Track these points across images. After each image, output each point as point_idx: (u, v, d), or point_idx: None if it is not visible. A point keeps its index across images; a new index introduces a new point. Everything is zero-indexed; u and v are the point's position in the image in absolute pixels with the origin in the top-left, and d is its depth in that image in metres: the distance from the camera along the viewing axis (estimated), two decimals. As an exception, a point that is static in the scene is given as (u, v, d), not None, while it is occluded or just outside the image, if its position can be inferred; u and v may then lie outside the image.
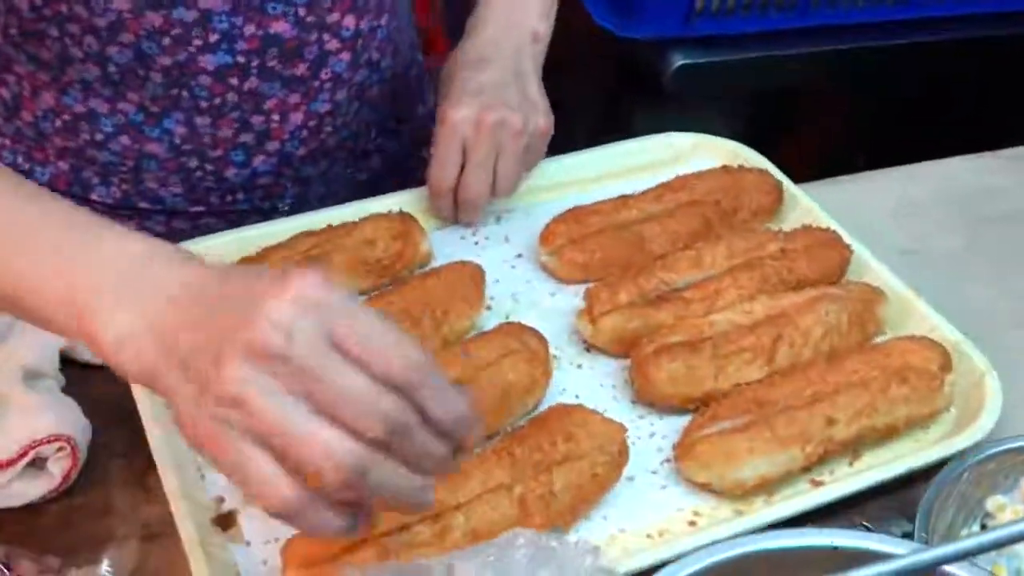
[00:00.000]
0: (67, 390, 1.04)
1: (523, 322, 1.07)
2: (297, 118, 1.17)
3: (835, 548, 0.79)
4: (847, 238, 1.18)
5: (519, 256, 1.20)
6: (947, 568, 0.77)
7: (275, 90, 1.14)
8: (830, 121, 2.25)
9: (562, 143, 1.30)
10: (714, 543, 0.79)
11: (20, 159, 1.17)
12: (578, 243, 1.16)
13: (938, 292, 1.17)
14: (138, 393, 1.00)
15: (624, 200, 1.20)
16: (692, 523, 0.96)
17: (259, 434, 0.67)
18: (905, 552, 0.77)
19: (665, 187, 1.22)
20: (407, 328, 1.04)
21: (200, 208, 1.20)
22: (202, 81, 1.11)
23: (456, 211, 1.21)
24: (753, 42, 1.85)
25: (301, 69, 1.14)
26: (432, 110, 1.41)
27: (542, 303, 1.15)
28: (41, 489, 0.96)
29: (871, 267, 1.16)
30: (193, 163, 1.16)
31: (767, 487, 0.97)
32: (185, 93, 1.11)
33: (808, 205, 1.23)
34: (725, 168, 1.25)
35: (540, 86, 1.23)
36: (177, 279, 0.73)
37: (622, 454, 0.96)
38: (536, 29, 1.23)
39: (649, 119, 2.11)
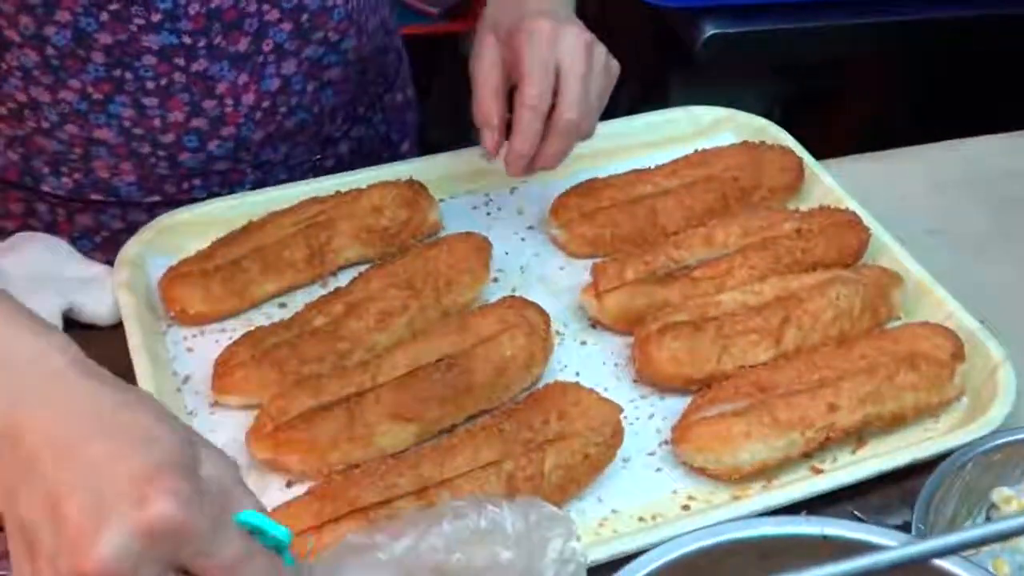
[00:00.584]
0: (67, 352, 1.03)
1: (529, 296, 1.06)
2: (249, 99, 1.13)
3: (825, 537, 0.77)
4: (868, 219, 1.15)
5: (530, 228, 1.18)
6: (941, 563, 0.75)
7: (224, 71, 1.10)
8: (867, 95, 2.21)
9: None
10: (698, 529, 0.77)
11: None
12: (589, 217, 1.14)
13: (960, 274, 1.14)
14: (137, 358, 1.00)
15: (638, 174, 1.18)
16: (686, 507, 0.94)
17: None
18: (895, 543, 0.75)
19: (682, 162, 1.19)
20: (407, 299, 1.03)
21: (156, 198, 1.17)
22: (147, 61, 1.08)
23: (513, 144, 1.06)
24: (787, 13, 1.80)
25: (244, 44, 1.10)
26: (411, 99, 1.38)
27: (550, 277, 1.13)
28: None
29: (890, 249, 1.13)
30: (145, 148, 1.13)
31: (766, 472, 0.95)
32: (129, 75, 1.08)
33: (829, 185, 1.20)
34: (745, 144, 1.22)
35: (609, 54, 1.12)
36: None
37: (616, 436, 0.94)
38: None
39: (684, 90, 2.07)
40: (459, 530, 0.81)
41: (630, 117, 1.30)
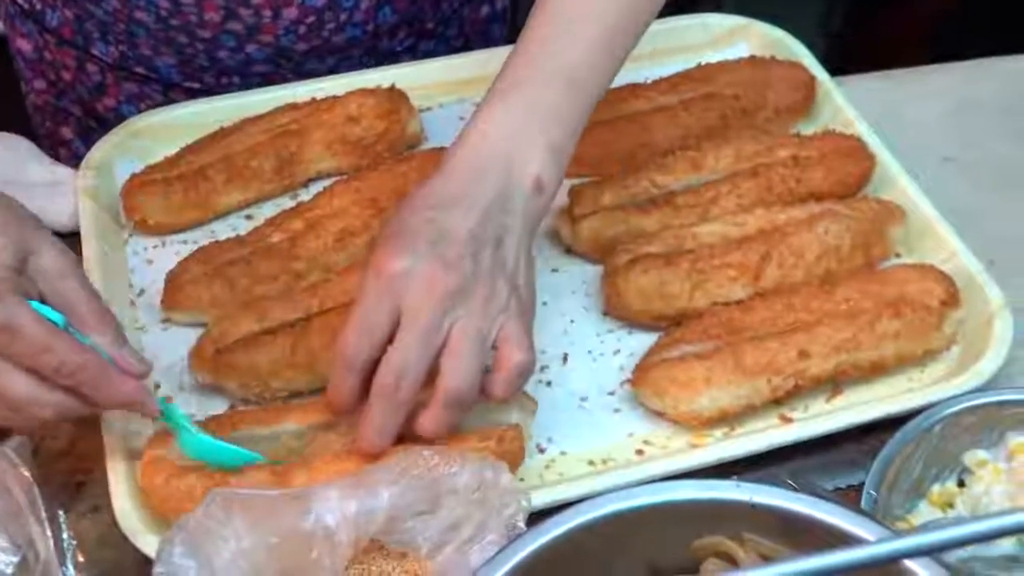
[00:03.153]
0: (25, 258, 1.01)
1: None
2: (291, 13, 1.08)
3: (753, 505, 0.72)
4: (876, 146, 1.07)
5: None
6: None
7: None
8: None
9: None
10: (617, 489, 0.73)
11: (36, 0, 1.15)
12: (576, 134, 1.08)
13: (975, 209, 1.07)
14: (88, 267, 0.97)
15: (633, 89, 1.11)
16: (640, 452, 0.89)
17: None
18: (824, 516, 0.71)
19: (682, 76, 1.12)
20: (369, 218, 0.99)
21: (196, 85, 1.14)
22: None
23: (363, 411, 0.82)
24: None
25: None
26: (499, 11, 1.28)
27: (530, 197, 1.07)
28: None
29: (896, 180, 1.05)
30: (183, 39, 1.10)
31: (729, 420, 0.90)
32: None
33: (840, 105, 1.11)
34: (753, 59, 1.14)
35: (530, 264, 0.86)
36: None
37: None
38: (536, 175, 0.85)
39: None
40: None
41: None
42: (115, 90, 1.17)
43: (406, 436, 0.82)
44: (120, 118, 1.14)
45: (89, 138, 1.15)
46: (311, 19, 1.09)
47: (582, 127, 0.89)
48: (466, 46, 1.25)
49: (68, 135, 1.23)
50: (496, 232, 0.83)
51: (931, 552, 0.61)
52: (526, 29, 0.91)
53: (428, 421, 0.81)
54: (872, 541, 0.61)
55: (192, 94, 1.15)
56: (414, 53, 1.20)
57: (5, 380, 0.76)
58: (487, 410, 0.85)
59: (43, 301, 0.78)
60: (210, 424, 0.85)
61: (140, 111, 1.15)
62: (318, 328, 0.90)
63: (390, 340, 0.80)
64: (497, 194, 0.84)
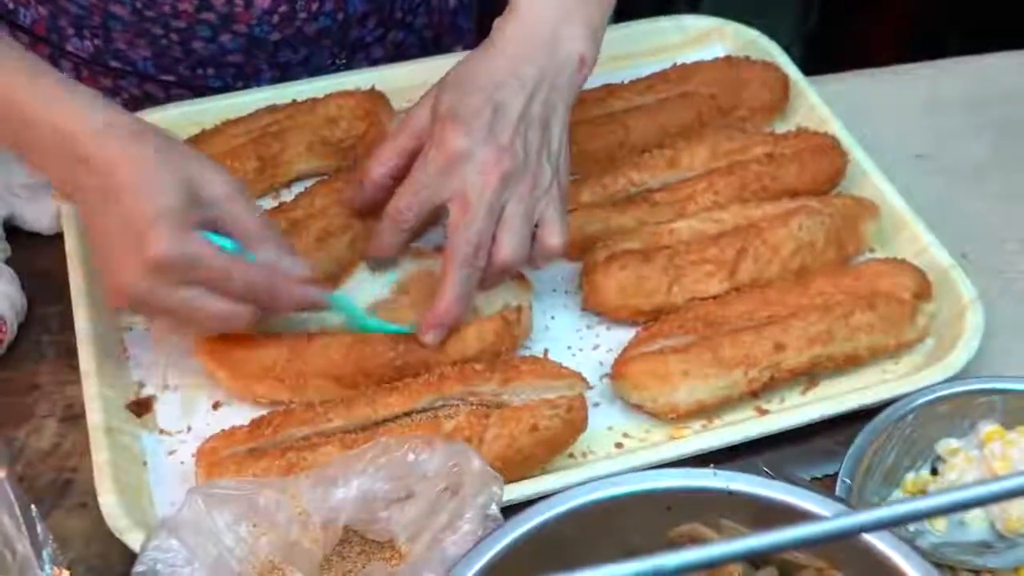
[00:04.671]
0: (8, 261, 1.02)
1: None
2: (263, 2, 1.09)
3: (730, 493, 0.74)
4: (850, 143, 1.08)
5: (494, 143, 1.13)
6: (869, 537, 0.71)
7: None
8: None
9: (629, 8, 1.15)
10: (596, 479, 0.74)
11: None
12: (553, 134, 1.09)
13: (948, 204, 1.09)
14: (72, 267, 0.98)
15: (610, 89, 1.12)
16: (619, 445, 0.91)
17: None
18: (799, 502, 0.72)
19: (659, 76, 1.14)
20: (349, 217, 1.00)
21: (171, 78, 1.16)
22: None
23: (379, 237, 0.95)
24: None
25: None
26: (466, 2, 1.30)
27: (509, 196, 1.08)
28: (-35, 362, 0.95)
29: (869, 177, 1.07)
30: (158, 30, 1.11)
31: (706, 412, 0.92)
32: None
33: (814, 104, 1.13)
34: (728, 59, 1.16)
35: (567, 144, 0.95)
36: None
37: (575, 411, 0.87)
38: (582, 52, 0.95)
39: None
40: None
41: (614, 25, 1.23)
42: (90, 85, 1.15)
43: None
44: None
45: None
46: (283, 8, 1.11)
47: (612, 10, 0.98)
48: (436, 37, 1.27)
49: None
50: (544, 112, 0.92)
51: (889, 526, 0.62)
52: None
53: (480, 284, 0.91)
54: (832, 515, 0.62)
55: (167, 87, 1.16)
56: (383, 43, 1.21)
57: (200, 303, 0.86)
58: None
59: (215, 227, 0.87)
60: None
61: None
62: (317, 351, 0.91)
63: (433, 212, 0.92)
64: (544, 71, 0.92)
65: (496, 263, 0.90)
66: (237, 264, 0.87)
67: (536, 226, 0.92)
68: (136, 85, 1.17)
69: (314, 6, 1.12)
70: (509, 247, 0.90)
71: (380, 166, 0.95)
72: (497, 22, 0.95)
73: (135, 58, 1.15)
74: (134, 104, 1.16)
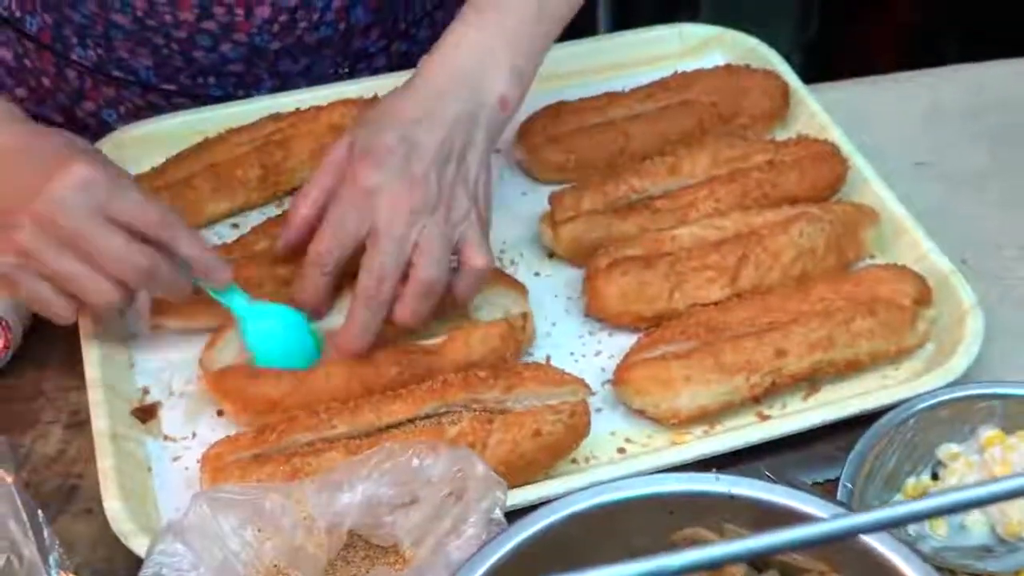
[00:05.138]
0: (13, 268, 1.03)
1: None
2: (263, 11, 1.10)
3: (732, 497, 0.74)
4: (850, 150, 1.09)
5: (497, 151, 1.14)
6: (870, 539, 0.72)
7: None
8: (911, 4, 2.12)
9: (629, 17, 1.16)
10: (599, 484, 0.74)
11: (13, 5, 1.16)
12: (555, 141, 1.10)
13: (944, 211, 1.10)
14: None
15: (612, 97, 1.13)
16: (622, 450, 0.91)
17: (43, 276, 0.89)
18: (801, 507, 0.72)
19: (659, 85, 1.14)
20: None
21: (171, 86, 1.16)
22: None
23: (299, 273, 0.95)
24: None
25: None
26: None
27: (511, 204, 1.09)
28: (-29, 368, 0.96)
29: (869, 184, 1.08)
30: (159, 40, 1.12)
31: (708, 418, 0.92)
32: None
33: (814, 111, 1.14)
34: (728, 67, 1.17)
35: (488, 178, 0.96)
36: None
37: (578, 417, 0.88)
38: (503, 93, 0.95)
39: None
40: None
41: (614, 34, 1.25)
42: (95, 94, 1.18)
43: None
44: (101, 123, 1.16)
45: None
46: (283, 17, 1.11)
47: (546, 53, 0.98)
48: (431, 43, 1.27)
49: None
50: (461, 146, 0.93)
51: (887, 527, 0.63)
52: None
53: (403, 310, 0.91)
54: (828, 517, 0.62)
55: (169, 96, 1.16)
56: (388, 54, 1.22)
57: (81, 275, 0.88)
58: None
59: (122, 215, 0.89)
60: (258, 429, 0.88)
61: (120, 115, 1.17)
62: (322, 377, 0.91)
63: (356, 249, 0.91)
64: (464, 109, 0.93)
65: (414, 284, 0.90)
66: (132, 246, 0.88)
67: (457, 251, 0.92)
68: (139, 95, 1.17)
69: (315, 16, 1.13)
70: (424, 267, 0.90)
71: (305, 208, 0.94)
72: (423, 60, 0.96)
73: (137, 67, 1.15)
74: (137, 113, 1.17)
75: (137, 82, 1.17)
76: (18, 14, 1.16)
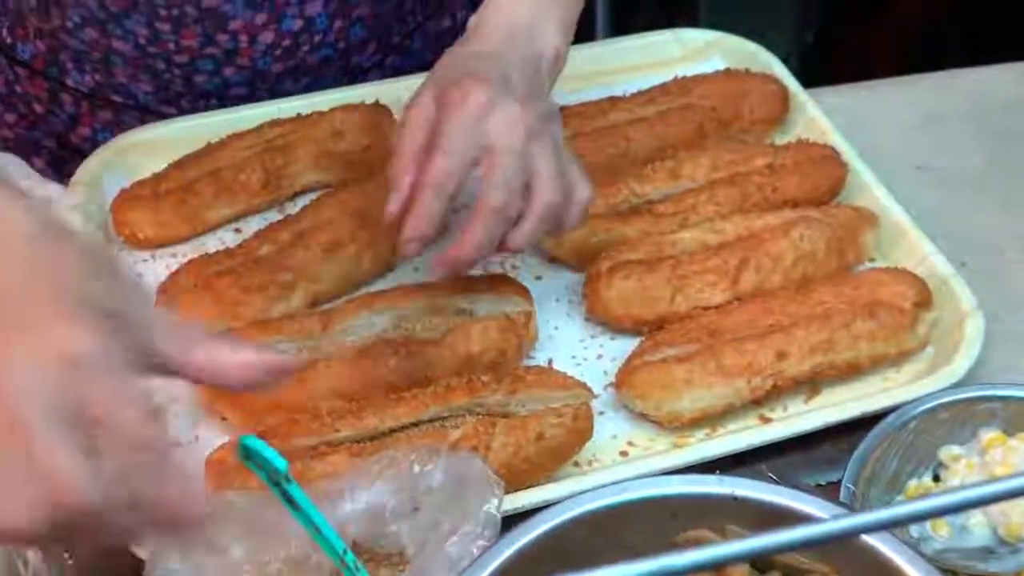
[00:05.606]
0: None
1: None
2: (267, 37, 1.10)
3: (735, 498, 0.74)
4: (849, 154, 1.10)
5: (498, 156, 1.14)
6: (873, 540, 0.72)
7: (238, 10, 1.07)
8: (914, 7, 2.13)
9: (626, 23, 1.15)
10: (604, 486, 0.75)
11: (4, 32, 1.16)
12: (556, 146, 1.10)
13: (944, 215, 1.10)
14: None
15: (612, 101, 1.13)
16: (624, 453, 0.91)
17: None
18: (802, 508, 0.73)
19: (659, 89, 1.15)
20: (356, 229, 1.01)
21: (172, 110, 1.15)
22: None
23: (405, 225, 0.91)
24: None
25: None
26: (461, 24, 1.29)
27: (512, 208, 1.09)
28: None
29: (869, 187, 1.08)
30: (160, 65, 1.11)
31: (709, 421, 0.92)
32: None
33: (814, 116, 1.14)
34: (728, 72, 1.17)
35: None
36: None
37: (580, 420, 0.88)
38: (557, 45, 0.96)
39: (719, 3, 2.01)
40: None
41: (613, 39, 1.25)
42: (90, 119, 1.17)
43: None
44: (96, 146, 1.15)
45: (62, 168, 1.16)
46: (287, 42, 1.11)
47: (581, 7, 0.99)
48: (434, 60, 1.26)
49: (40, 164, 1.21)
50: (538, 87, 0.93)
51: (889, 527, 0.63)
52: None
53: (521, 236, 0.90)
54: (830, 517, 0.63)
55: (168, 118, 1.15)
56: (382, 68, 1.21)
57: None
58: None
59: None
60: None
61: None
62: (320, 371, 0.91)
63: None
64: (525, 59, 0.93)
65: (536, 207, 0.89)
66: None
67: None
68: (137, 118, 1.16)
69: (317, 38, 1.13)
70: (545, 189, 0.89)
71: (406, 173, 0.91)
72: (473, 18, 0.97)
73: (136, 91, 1.15)
74: None
75: (136, 106, 1.16)
76: (9, 40, 1.15)
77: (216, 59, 1.11)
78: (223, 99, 1.15)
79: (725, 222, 1.01)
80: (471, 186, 0.92)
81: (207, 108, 1.15)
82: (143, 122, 1.16)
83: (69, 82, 1.15)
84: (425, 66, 1.24)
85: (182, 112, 1.15)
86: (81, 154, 1.14)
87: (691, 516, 0.75)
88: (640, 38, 1.24)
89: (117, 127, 1.17)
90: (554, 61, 0.95)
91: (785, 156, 1.07)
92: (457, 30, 1.28)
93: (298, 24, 1.11)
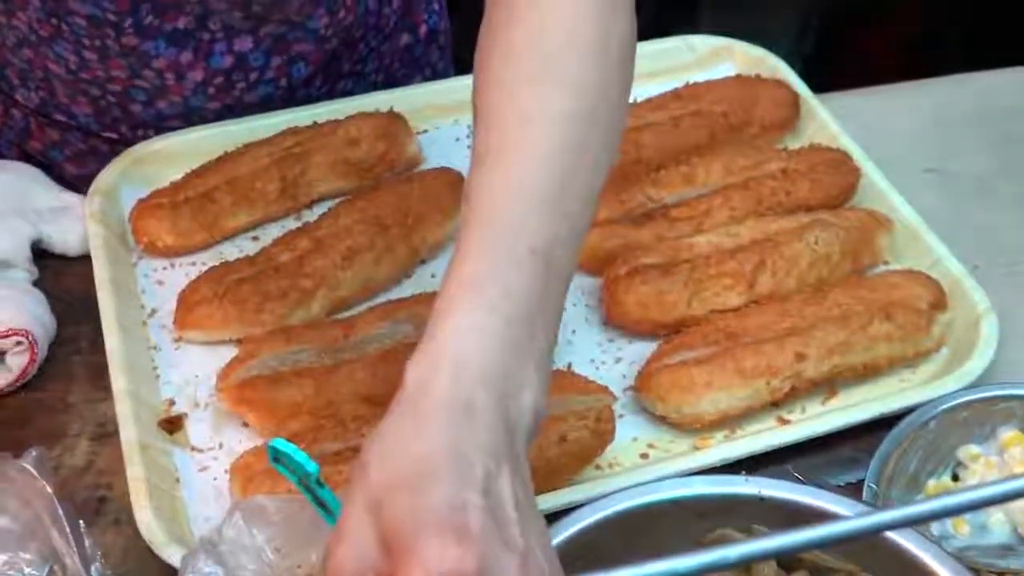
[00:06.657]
0: (37, 283, 1.04)
1: None
2: (196, 75, 1.09)
3: (761, 498, 0.75)
4: (860, 158, 1.11)
5: (511, 162, 1.15)
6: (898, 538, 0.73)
7: (160, 48, 1.06)
8: (911, 14, 2.14)
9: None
10: (631, 487, 0.76)
11: None
12: (570, 152, 1.11)
13: (956, 217, 1.11)
14: (101, 291, 0.99)
15: (624, 108, 1.14)
16: (644, 455, 0.92)
17: None
18: (830, 506, 0.74)
19: (671, 95, 1.15)
20: (374, 235, 1.02)
21: (112, 135, 1.14)
22: (78, 23, 1.04)
23: None
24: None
25: (183, 22, 1.04)
26: (422, 37, 1.21)
27: (528, 214, 1.10)
28: (-2, 382, 0.96)
29: (881, 191, 1.09)
30: (95, 91, 1.10)
31: (729, 422, 0.93)
32: (65, 27, 1.05)
33: (824, 120, 1.15)
34: (739, 78, 1.18)
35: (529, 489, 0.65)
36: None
37: (603, 423, 0.89)
38: (536, 406, 0.66)
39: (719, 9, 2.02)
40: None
41: (625, 46, 1.25)
42: (39, 134, 1.16)
43: None
44: (49, 161, 1.15)
45: None
46: (219, 80, 1.10)
47: (562, 310, 0.72)
48: (387, 79, 1.24)
49: None
50: (520, 483, 0.64)
51: (912, 524, 0.64)
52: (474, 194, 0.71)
53: None
54: (855, 515, 0.64)
55: (111, 144, 1.14)
56: (331, 94, 1.18)
57: None
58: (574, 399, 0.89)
59: None
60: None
61: (65, 157, 1.16)
62: (344, 377, 0.92)
63: None
64: (495, 441, 0.63)
65: None
66: None
67: None
68: (81, 139, 1.15)
69: (252, 76, 1.11)
70: None
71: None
72: (410, 369, 0.68)
73: (77, 113, 1.13)
74: (82, 156, 1.15)
75: (78, 127, 1.15)
76: None
77: (147, 92, 1.10)
78: (160, 130, 1.13)
79: (740, 226, 1.02)
80: None
81: (146, 136, 1.13)
82: (87, 144, 1.15)
83: (18, 97, 1.14)
84: (376, 86, 1.21)
85: (123, 138, 1.14)
86: (42, 166, 1.13)
87: (718, 516, 0.76)
88: (650, 44, 1.24)
89: (64, 146, 1.16)
90: (532, 427, 0.67)
91: (798, 160, 1.08)
92: (419, 41, 1.25)
93: (228, 60, 1.09)
